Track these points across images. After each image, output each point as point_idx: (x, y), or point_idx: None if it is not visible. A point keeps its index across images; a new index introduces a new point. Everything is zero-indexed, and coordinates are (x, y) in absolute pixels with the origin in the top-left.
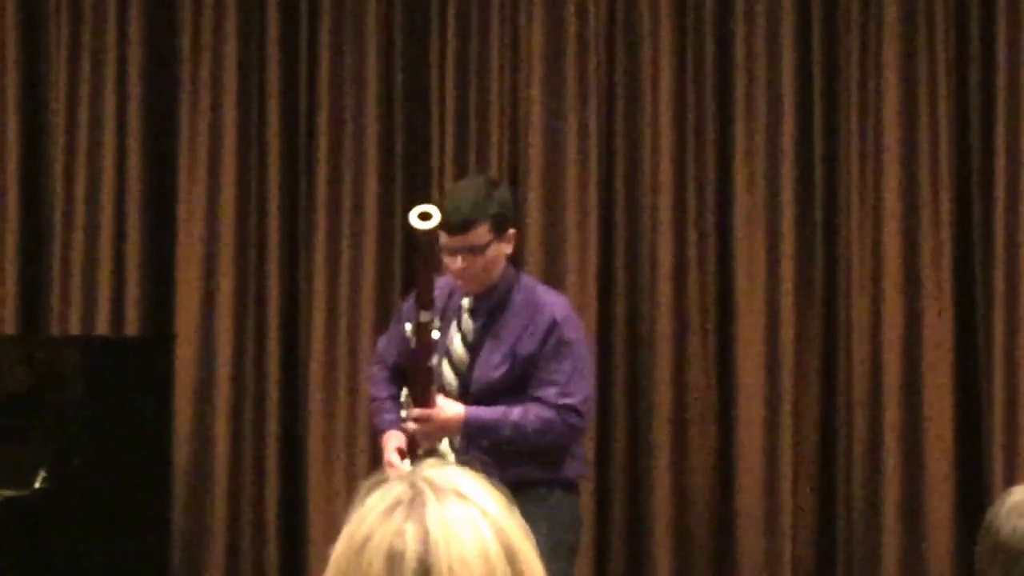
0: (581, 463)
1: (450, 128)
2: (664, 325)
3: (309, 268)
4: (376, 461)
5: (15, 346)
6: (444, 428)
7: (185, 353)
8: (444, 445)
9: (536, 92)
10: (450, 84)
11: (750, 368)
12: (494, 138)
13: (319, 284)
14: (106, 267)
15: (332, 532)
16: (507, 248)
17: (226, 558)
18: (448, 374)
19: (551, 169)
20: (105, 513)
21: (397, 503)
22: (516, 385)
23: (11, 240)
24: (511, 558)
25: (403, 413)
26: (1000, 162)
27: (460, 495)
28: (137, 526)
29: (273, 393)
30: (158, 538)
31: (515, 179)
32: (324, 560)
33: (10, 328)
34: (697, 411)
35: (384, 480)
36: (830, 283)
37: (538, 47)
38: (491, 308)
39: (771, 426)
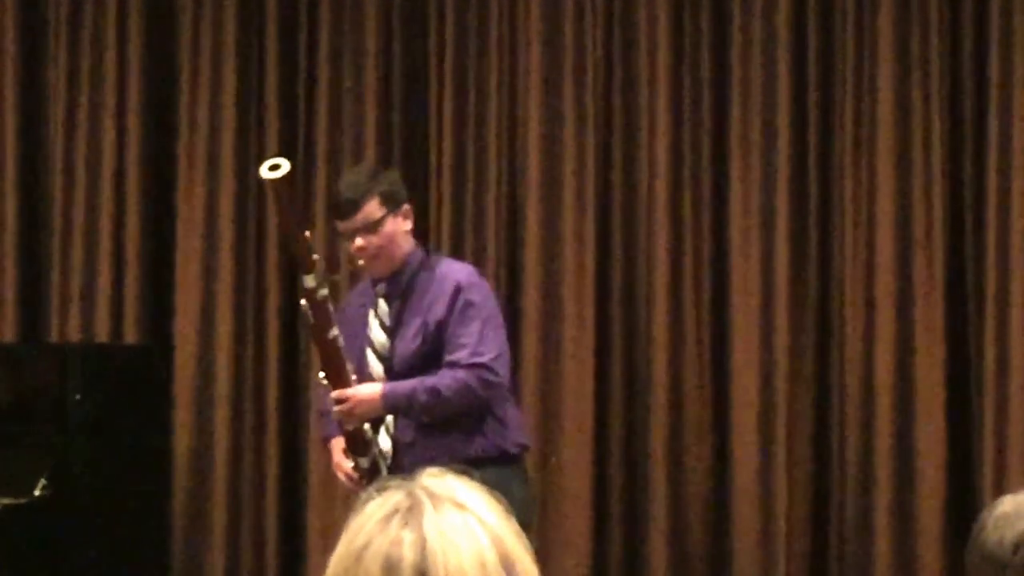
0: (519, 433)
1: (448, 133)
2: (660, 334)
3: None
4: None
5: (15, 354)
6: (364, 406)
7: (184, 361)
8: (382, 437)
9: (533, 97)
10: (448, 87)
11: (744, 377)
12: (491, 144)
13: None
14: (105, 275)
15: (331, 540)
16: (405, 224)
17: (226, 565)
18: (373, 362)
19: (549, 175)
20: (105, 520)
21: (395, 511)
22: (433, 357)
23: (10, 247)
24: (508, 566)
25: (328, 403)
26: (991, 172)
27: (457, 504)
28: (137, 533)
29: (272, 401)
30: (158, 545)
31: (513, 183)
32: (323, 568)
33: (10, 336)
34: (692, 421)
35: (383, 487)
36: (823, 293)
37: (535, 52)
38: (403, 290)
39: (765, 434)
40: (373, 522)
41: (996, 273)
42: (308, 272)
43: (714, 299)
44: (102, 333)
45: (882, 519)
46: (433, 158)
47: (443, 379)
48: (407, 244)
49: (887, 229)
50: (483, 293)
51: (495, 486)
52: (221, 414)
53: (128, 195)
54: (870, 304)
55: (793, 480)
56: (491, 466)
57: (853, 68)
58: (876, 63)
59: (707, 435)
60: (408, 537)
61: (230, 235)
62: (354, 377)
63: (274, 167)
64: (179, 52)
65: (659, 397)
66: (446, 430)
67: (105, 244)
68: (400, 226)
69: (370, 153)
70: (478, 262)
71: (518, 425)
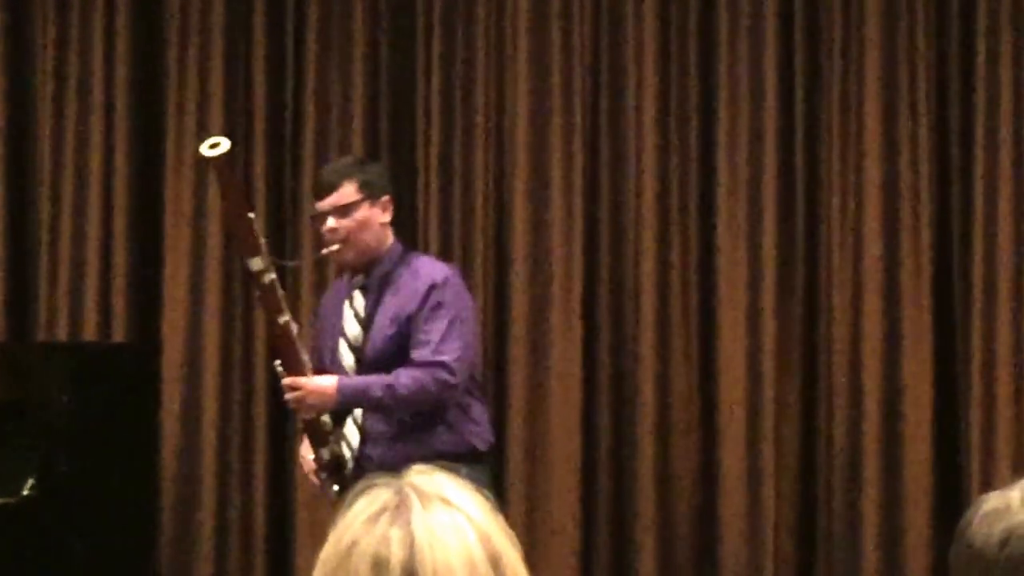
0: (488, 431)
1: (435, 136)
2: (647, 335)
3: (295, 274)
4: None
5: (2, 353)
6: (316, 396)
7: (172, 360)
8: (349, 427)
9: (521, 94)
10: (435, 92)
11: (732, 376)
12: (479, 145)
13: (306, 288)
14: (93, 274)
15: (320, 538)
16: (382, 215)
17: (214, 565)
18: (345, 353)
19: (536, 175)
20: (92, 520)
21: (383, 509)
22: (404, 351)
23: None
24: (496, 564)
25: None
26: (978, 164)
27: (446, 501)
28: (124, 533)
29: (260, 400)
30: (145, 545)
31: (500, 186)
32: (311, 566)
33: None
34: (680, 419)
35: (372, 485)
36: (811, 293)
37: (523, 51)
38: (379, 283)
39: (753, 432)
40: (361, 520)
41: (983, 268)
42: (253, 255)
43: (701, 298)
44: (90, 332)
45: (870, 517)
46: (420, 158)
47: (400, 376)
48: (383, 236)
49: (875, 223)
50: (456, 293)
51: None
52: (209, 413)
53: (116, 194)
54: (857, 299)
55: (780, 478)
56: (460, 463)
57: (840, 63)
58: (863, 55)
59: (695, 434)
60: (396, 535)
61: (217, 234)
62: (309, 367)
63: (214, 145)
64: (167, 51)
65: (646, 396)
66: (416, 424)
67: (93, 243)
68: (376, 216)
69: (358, 131)
70: (465, 264)
71: (486, 422)
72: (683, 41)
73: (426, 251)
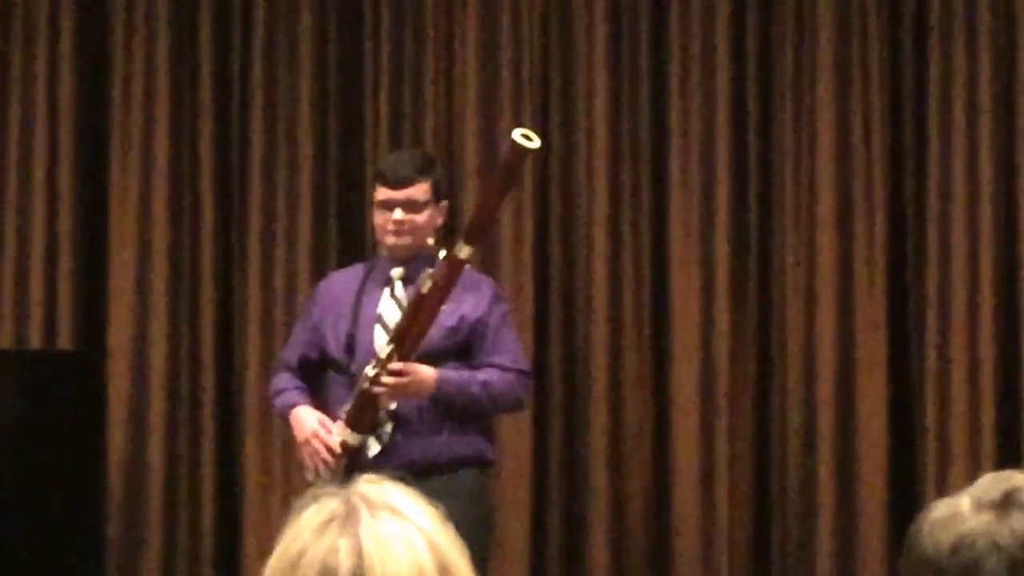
0: (497, 445)
1: (384, 138)
2: (599, 336)
3: (243, 280)
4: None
5: None
6: (418, 385)
7: (119, 367)
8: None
9: (471, 96)
10: (384, 93)
11: (684, 379)
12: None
13: (253, 296)
14: (38, 280)
15: (268, 548)
16: (439, 218)
17: (161, 574)
18: (380, 339)
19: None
20: (37, 528)
21: (331, 519)
22: (459, 350)
23: None
24: (445, 573)
25: (368, 371)
26: (932, 171)
27: (394, 511)
28: (71, 541)
29: (208, 407)
30: (91, 554)
31: (450, 185)
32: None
33: None
34: (632, 423)
35: (320, 495)
36: (765, 296)
37: (472, 52)
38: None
39: (706, 435)
40: (309, 530)
41: (937, 271)
42: (471, 244)
43: (654, 300)
44: (35, 340)
45: (824, 524)
46: (369, 168)
47: (493, 376)
48: (432, 239)
49: (828, 237)
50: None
51: (476, 489)
52: (156, 420)
53: (61, 200)
54: (811, 304)
55: (734, 482)
56: (475, 469)
57: (792, 64)
58: (816, 60)
59: (647, 437)
60: (344, 544)
61: (164, 240)
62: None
63: (528, 137)
64: (112, 57)
65: (599, 401)
66: (443, 426)
67: (37, 250)
68: (436, 218)
69: (305, 166)
70: None
71: (497, 436)
72: (634, 45)
73: (374, 248)
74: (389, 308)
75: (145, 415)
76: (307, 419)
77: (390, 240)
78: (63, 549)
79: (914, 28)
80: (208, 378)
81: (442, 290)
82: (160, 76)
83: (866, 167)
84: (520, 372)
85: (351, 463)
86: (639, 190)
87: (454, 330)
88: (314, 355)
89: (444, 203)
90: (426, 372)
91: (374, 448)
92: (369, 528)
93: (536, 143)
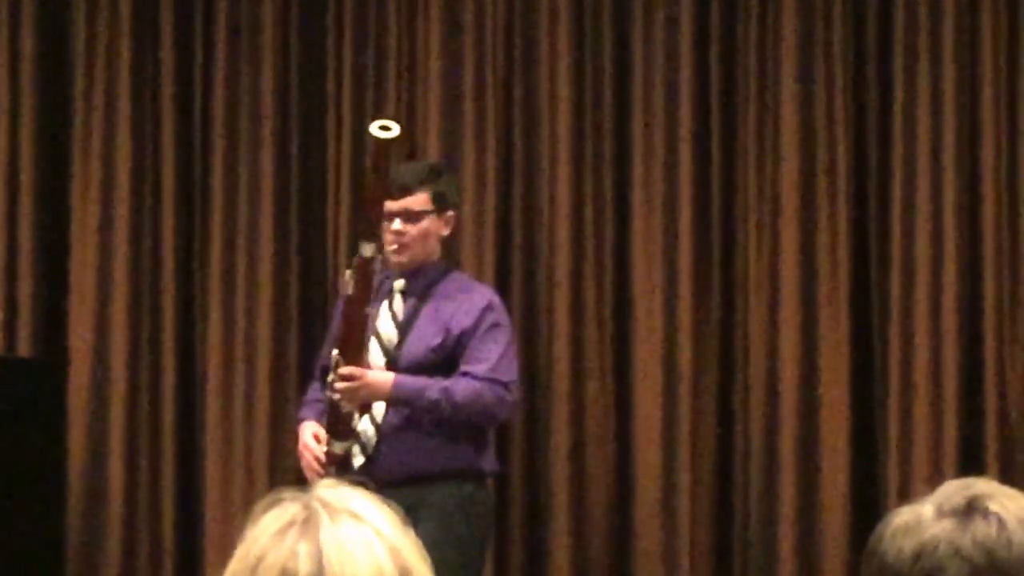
0: (494, 457)
1: (346, 148)
2: (560, 341)
3: (205, 288)
4: (274, 481)
5: None
6: (371, 389)
7: (79, 374)
8: (365, 424)
9: (432, 98)
10: (346, 97)
11: (647, 383)
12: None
13: (215, 305)
14: None
15: (229, 554)
16: (444, 229)
17: None
18: (376, 353)
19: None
20: None
21: (291, 523)
22: (445, 362)
23: None
24: None
25: (329, 378)
26: (897, 178)
27: (354, 515)
28: (30, 552)
29: (168, 414)
30: (52, 562)
31: None
32: None
33: None
34: (594, 427)
35: (279, 500)
36: (727, 303)
37: (435, 56)
38: (422, 290)
39: (668, 441)
40: (269, 534)
41: (900, 279)
42: (371, 240)
43: (616, 306)
44: None
45: (785, 529)
46: (331, 175)
47: (458, 383)
48: (437, 248)
49: (791, 243)
50: (507, 320)
51: (463, 501)
52: (116, 428)
53: (20, 206)
54: (773, 307)
55: (696, 487)
56: (463, 481)
57: (756, 68)
58: (779, 64)
59: (609, 442)
60: (304, 549)
61: (125, 247)
62: (368, 362)
63: (385, 128)
64: (73, 55)
65: (560, 408)
66: (432, 437)
67: None
68: (439, 229)
69: (267, 175)
70: None
71: (494, 447)
72: (598, 46)
73: (336, 254)
74: (385, 321)
75: (105, 422)
76: (303, 432)
77: (392, 253)
78: (23, 557)
79: (878, 39)
80: (169, 385)
81: (361, 290)
82: (121, 92)
83: (830, 177)
84: (493, 381)
85: (340, 472)
86: (601, 192)
87: (437, 342)
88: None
89: (450, 213)
90: (381, 377)
91: (359, 458)
92: (329, 533)
93: (395, 131)
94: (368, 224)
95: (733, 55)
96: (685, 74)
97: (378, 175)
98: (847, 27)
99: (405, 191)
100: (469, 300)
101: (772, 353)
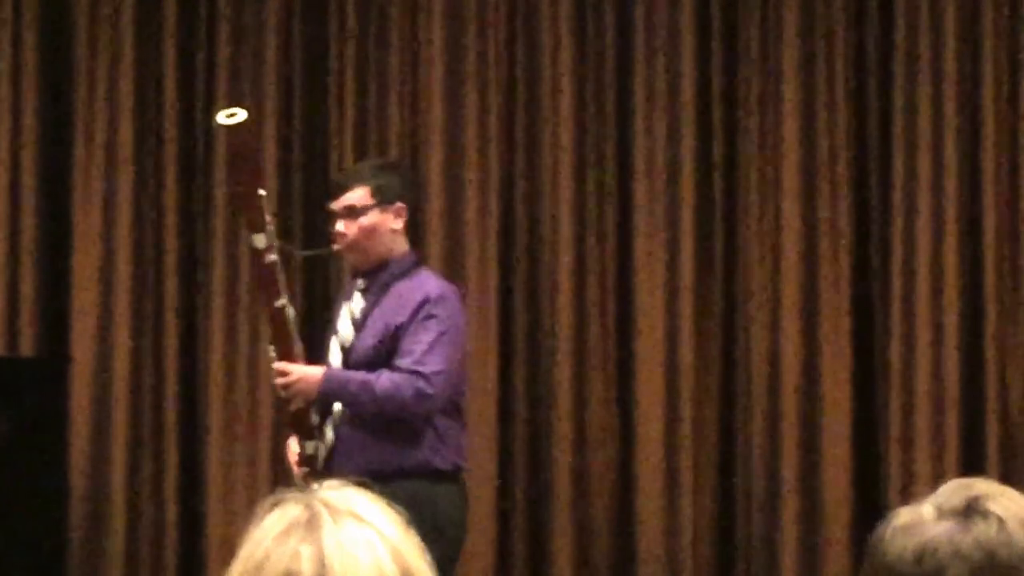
0: (456, 452)
1: (349, 148)
2: (564, 345)
3: (207, 288)
4: (277, 482)
5: None
6: (303, 384)
7: (81, 374)
8: (327, 425)
9: (435, 99)
10: (349, 98)
11: (649, 386)
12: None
13: (217, 304)
14: (1, 287)
15: (232, 555)
16: (393, 222)
17: None
18: (335, 353)
19: (450, 177)
20: None
21: (294, 525)
22: (388, 359)
23: None
24: None
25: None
26: (898, 180)
27: (357, 517)
28: (33, 553)
29: (171, 415)
30: (54, 563)
31: (415, 187)
32: None
33: None
34: (596, 429)
35: (282, 501)
36: (729, 302)
37: (439, 60)
38: (379, 288)
39: (670, 444)
40: (272, 536)
41: (901, 279)
42: (257, 231)
43: (619, 310)
44: None
45: (788, 530)
46: (333, 164)
47: (379, 377)
48: (394, 244)
49: (793, 243)
50: (450, 311)
51: (422, 500)
52: (119, 428)
53: (23, 206)
54: (775, 308)
55: (698, 487)
56: (420, 480)
57: (758, 72)
58: (781, 65)
59: (612, 444)
60: (307, 551)
61: (127, 247)
62: (301, 354)
63: (231, 115)
64: (76, 58)
65: (563, 410)
66: (383, 435)
67: (0, 258)
68: (387, 222)
69: (270, 175)
70: None
71: (457, 444)
72: (599, 47)
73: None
74: (344, 320)
75: (108, 422)
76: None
77: (343, 254)
78: (25, 557)
79: (879, 39)
80: (171, 385)
81: (267, 281)
82: (123, 88)
83: (831, 179)
84: (415, 373)
85: (311, 471)
86: (604, 194)
87: (376, 340)
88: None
89: (397, 204)
90: (312, 371)
91: (321, 456)
92: (331, 534)
93: (240, 116)
94: (249, 215)
95: (735, 57)
96: (687, 79)
97: (240, 162)
98: (849, 31)
99: (340, 190)
100: (410, 295)
101: (774, 354)
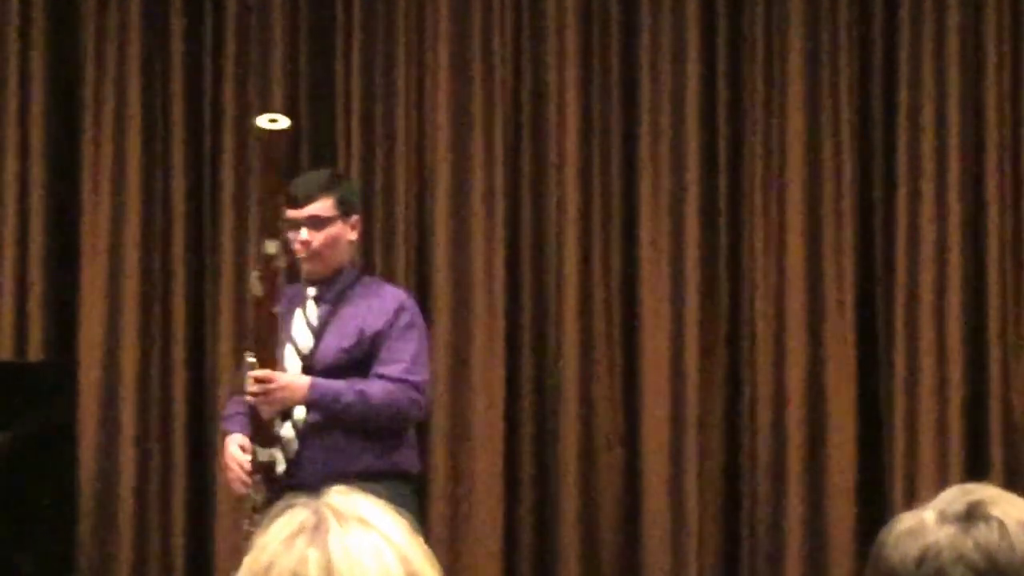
0: (416, 456)
1: (355, 164)
2: (570, 351)
3: (215, 292)
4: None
5: None
6: (287, 392)
7: (89, 378)
8: (287, 429)
9: (442, 105)
10: (356, 118)
11: (655, 390)
12: (399, 159)
13: (225, 306)
14: (9, 291)
15: (239, 559)
16: (351, 233)
17: None
18: (291, 359)
19: (457, 183)
20: (7, 542)
21: (300, 530)
22: (359, 364)
23: None
24: None
25: (246, 383)
26: (901, 181)
27: (363, 522)
28: (42, 556)
29: (179, 417)
30: (62, 568)
31: (421, 198)
32: None
33: None
34: (603, 432)
35: (289, 506)
36: (735, 308)
37: (444, 60)
38: (335, 296)
39: (676, 448)
40: (278, 540)
41: (905, 286)
42: (272, 237)
43: (624, 311)
44: (5, 351)
45: (793, 535)
46: (341, 166)
47: (373, 386)
48: (347, 254)
49: (798, 241)
50: (421, 319)
51: (389, 501)
52: (126, 431)
53: (31, 209)
54: (780, 313)
55: (704, 492)
56: (387, 481)
57: (763, 72)
58: (786, 64)
59: (618, 447)
60: (313, 556)
61: (135, 251)
62: (281, 363)
63: (273, 120)
64: (83, 65)
65: (570, 416)
66: (355, 441)
67: (8, 261)
68: (346, 234)
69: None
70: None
71: (416, 449)
72: (605, 52)
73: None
74: (300, 327)
75: (116, 426)
76: (228, 445)
77: (303, 263)
78: (35, 560)
79: (883, 40)
80: (179, 388)
81: (268, 290)
82: (131, 96)
83: (835, 176)
84: (406, 383)
85: (267, 480)
86: (609, 198)
87: (350, 344)
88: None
89: (355, 217)
90: (297, 380)
91: (281, 464)
92: (338, 539)
93: (282, 123)
94: (267, 220)
95: (739, 61)
96: (692, 85)
97: (271, 169)
98: (852, 33)
99: (306, 200)
100: (381, 301)
101: (779, 359)
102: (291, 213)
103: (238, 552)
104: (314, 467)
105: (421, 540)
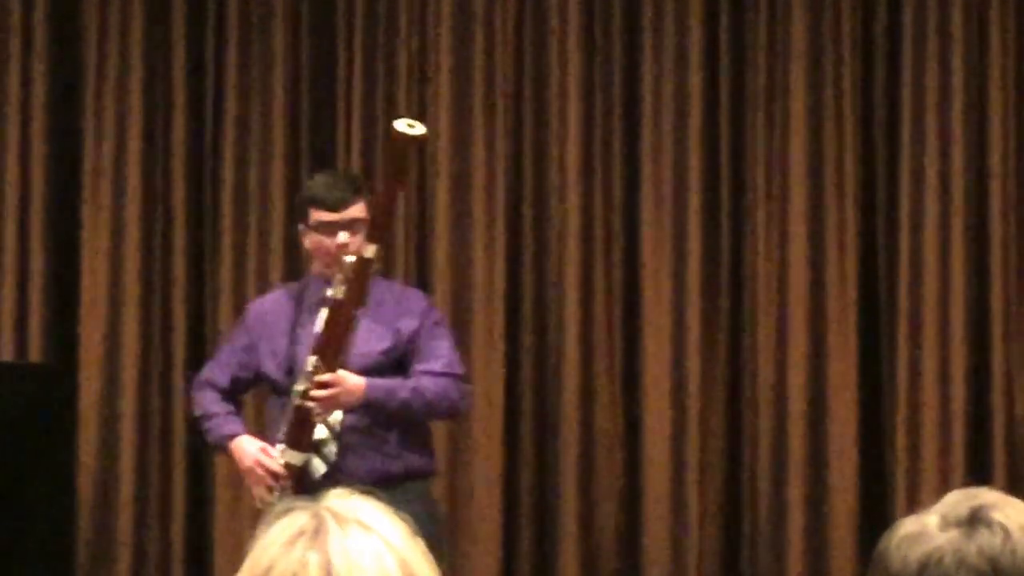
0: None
1: (356, 164)
2: (571, 349)
3: (215, 296)
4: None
5: None
6: (348, 394)
7: (89, 380)
8: (319, 431)
9: (443, 106)
10: (356, 118)
11: (656, 389)
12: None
13: (225, 308)
14: (9, 293)
15: (239, 562)
16: None
17: None
18: (314, 361)
19: (458, 184)
20: (6, 545)
21: (300, 533)
22: (395, 364)
23: None
24: None
25: (298, 388)
26: (904, 184)
27: (363, 525)
28: (41, 559)
29: (179, 420)
30: (62, 568)
31: (422, 198)
32: None
33: None
34: (603, 432)
35: (289, 509)
36: (736, 310)
37: (446, 62)
38: None
39: (677, 448)
40: (278, 544)
41: (908, 287)
42: (376, 241)
43: (625, 311)
44: (6, 353)
45: (794, 539)
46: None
47: (423, 381)
48: None
49: (800, 244)
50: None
51: (425, 501)
52: (126, 434)
53: (31, 212)
54: (782, 315)
55: (704, 493)
56: (422, 481)
57: (765, 75)
58: (788, 71)
59: (618, 447)
60: (313, 559)
61: (135, 253)
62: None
63: (411, 125)
64: (84, 67)
65: (570, 414)
66: (388, 436)
67: (8, 263)
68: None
69: (277, 187)
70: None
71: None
72: (607, 54)
73: None
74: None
75: (116, 428)
76: (248, 447)
77: (332, 265)
78: (34, 562)
79: (886, 41)
80: (179, 391)
81: (355, 292)
82: (132, 99)
83: (837, 174)
84: (454, 376)
85: (298, 484)
86: (610, 203)
87: (387, 345)
88: (246, 376)
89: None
90: (354, 381)
91: (320, 468)
92: (338, 542)
93: (419, 130)
94: (376, 225)
95: (742, 65)
96: (694, 86)
97: (401, 174)
98: (854, 36)
99: (345, 203)
100: (408, 302)
101: (781, 361)
102: (326, 217)
103: (238, 553)
104: (355, 469)
105: (421, 543)
